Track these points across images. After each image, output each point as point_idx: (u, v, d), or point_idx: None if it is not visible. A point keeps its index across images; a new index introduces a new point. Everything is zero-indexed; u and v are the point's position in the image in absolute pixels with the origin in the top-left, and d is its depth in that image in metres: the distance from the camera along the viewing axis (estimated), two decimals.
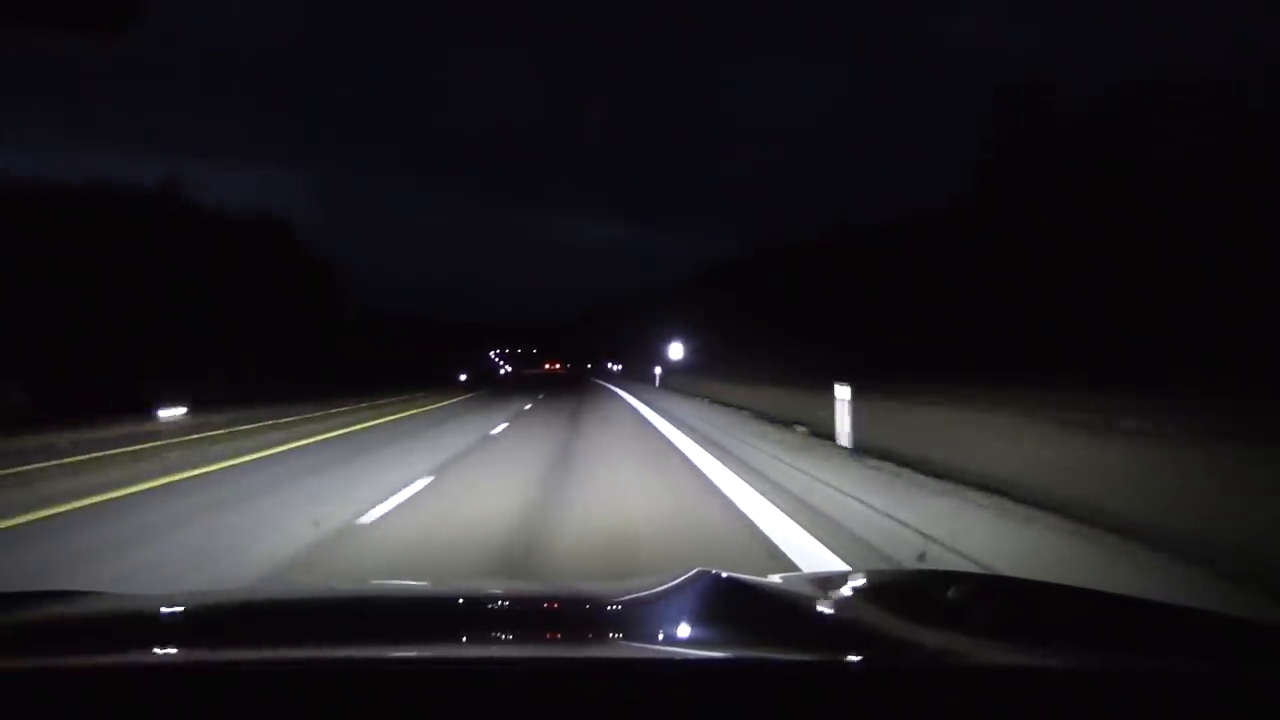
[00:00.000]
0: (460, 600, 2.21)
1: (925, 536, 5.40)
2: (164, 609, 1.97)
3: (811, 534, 6.09)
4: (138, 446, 15.29)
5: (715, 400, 23.57)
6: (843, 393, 11.15)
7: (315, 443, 15.47)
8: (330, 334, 53.97)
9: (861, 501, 6.74)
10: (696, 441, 13.35)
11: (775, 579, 2.19)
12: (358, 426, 19.49)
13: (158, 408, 21.06)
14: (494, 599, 2.25)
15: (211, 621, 1.82)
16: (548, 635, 1.75)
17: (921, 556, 5.01)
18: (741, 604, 1.85)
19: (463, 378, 72.97)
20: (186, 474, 10.98)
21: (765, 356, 32.53)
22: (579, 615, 1.93)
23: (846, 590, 2.07)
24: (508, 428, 17.87)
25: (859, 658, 1.32)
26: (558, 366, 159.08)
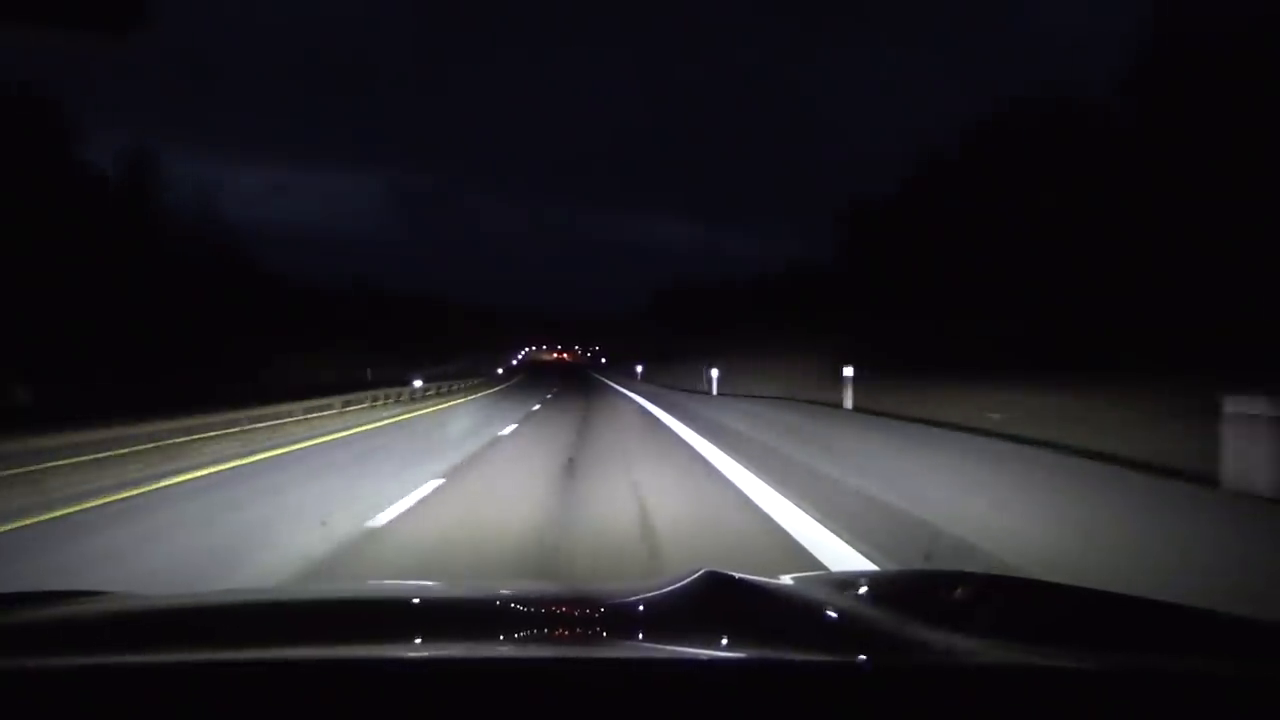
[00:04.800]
0: (466, 601, 2.21)
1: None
2: (173, 609, 1.97)
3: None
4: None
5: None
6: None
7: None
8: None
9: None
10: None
11: (784, 579, 2.18)
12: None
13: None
14: (499, 599, 2.25)
15: (219, 622, 1.82)
16: (553, 635, 1.75)
17: (928, 556, 5.00)
18: (748, 604, 1.85)
19: (499, 371, 78.82)
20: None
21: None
22: (584, 616, 1.93)
23: (852, 590, 2.07)
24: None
25: (865, 658, 1.32)
26: (565, 357, 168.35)
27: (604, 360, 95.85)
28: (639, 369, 60.35)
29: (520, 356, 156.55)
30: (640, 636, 1.64)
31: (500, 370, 78.12)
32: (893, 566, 4.92)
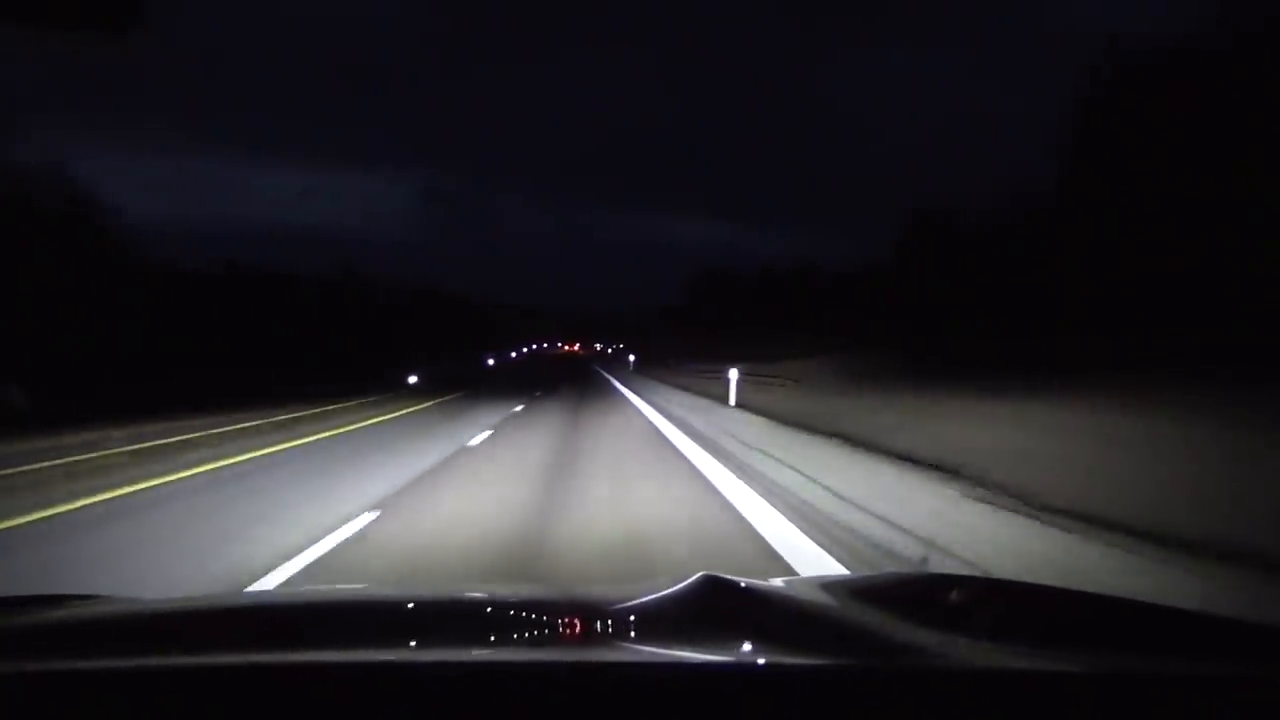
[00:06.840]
0: (462, 604, 2.21)
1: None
2: (164, 613, 1.97)
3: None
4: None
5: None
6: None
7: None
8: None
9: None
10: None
11: (778, 582, 2.19)
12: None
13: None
14: (496, 603, 2.25)
15: (211, 626, 1.82)
16: (553, 639, 1.75)
17: (924, 560, 5.01)
18: (745, 608, 1.85)
19: (412, 380, 43.46)
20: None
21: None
22: (581, 619, 1.93)
23: (849, 594, 2.06)
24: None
25: (862, 661, 1.32)
26: (578, 349, 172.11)
27: (632, 357, 73.52)
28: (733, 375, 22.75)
29: (516, 354, 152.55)
30: (640, 640, 1.65)
31: (413, 379, 41.26)
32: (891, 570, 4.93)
